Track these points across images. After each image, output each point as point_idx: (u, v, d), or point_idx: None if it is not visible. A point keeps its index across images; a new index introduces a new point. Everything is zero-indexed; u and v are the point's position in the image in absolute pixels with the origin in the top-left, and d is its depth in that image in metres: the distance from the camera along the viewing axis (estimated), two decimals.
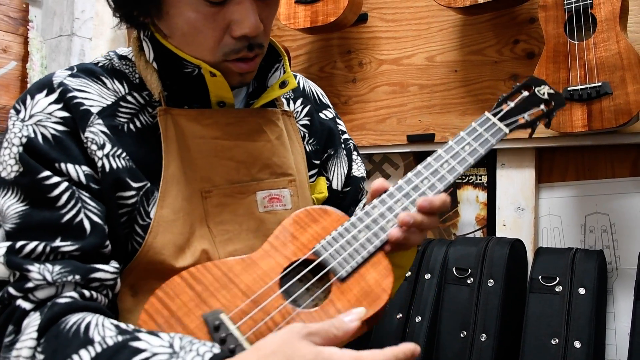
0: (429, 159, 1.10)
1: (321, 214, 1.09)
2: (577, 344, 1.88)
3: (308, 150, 1.40)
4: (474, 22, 2.40)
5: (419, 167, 1.10)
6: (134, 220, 1.12)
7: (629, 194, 2.12)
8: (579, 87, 1.87)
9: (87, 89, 1.14)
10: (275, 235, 1.07)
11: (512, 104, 1.15)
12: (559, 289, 1.99)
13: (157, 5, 1.09)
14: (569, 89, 1.89)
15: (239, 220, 1.19)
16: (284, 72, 1.29)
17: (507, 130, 1.13)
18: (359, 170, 1.52)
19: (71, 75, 1.15)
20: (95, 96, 1.14)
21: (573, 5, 1.91)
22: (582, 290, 1.96)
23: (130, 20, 1.15)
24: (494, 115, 1.14)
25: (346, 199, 1.50)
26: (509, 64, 2.30)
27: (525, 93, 1.17)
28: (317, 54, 2.81)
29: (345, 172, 1.49)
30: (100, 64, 1.21)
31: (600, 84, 1.83)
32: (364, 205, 1.21)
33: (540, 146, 2.26)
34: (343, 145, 1.51)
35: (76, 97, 1.10)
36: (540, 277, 2.04)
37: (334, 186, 1.46)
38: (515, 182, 2.31)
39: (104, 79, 1.18)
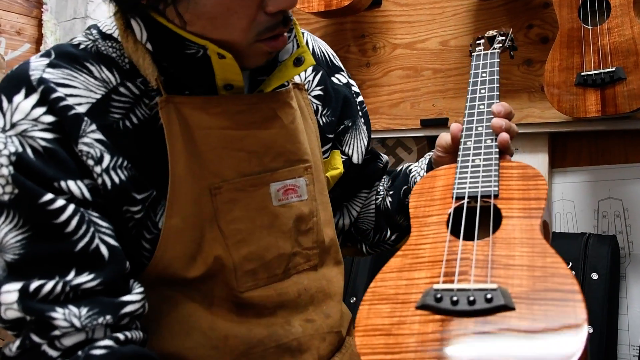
0: (467, 96, 1.27)
1: (432, 176, 1.13)
2: (590, 329, 1.89)
3: (322, 123, 1.29)
4: (488, 6, 2.39)
5: (467, 104, 1.25)
6: (140, 234, 1.01)
7: None
8: (593, 72, 1.86)
9: (72, 81, 0.97)
10: (414, 216, 1.05)
11: (482, 47, 1.40)
12: None
13: None
14: (582, 74, 1.89)
15: (251, 216, 1.07)
16: (297, 45, 1.14)
17: (496, 51, 1.36)
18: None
19: (50, 65, 0.98)
20: (82, 91, 0.97)
21: None
22: (594, 276, 1.97)
23: (134, 9, 0.99)
24: (478, 52, 1.38)
25: (368, 166, 1.45)
26: (523, 48, 2.29)
27: (482, 41, 1.43)
28: (331, 38, 2.81)
29: (366, 143, 1.40)
30: (82, 46, 1.03)
31: (613, 69, 1.83)
32: (429, 158, 1.33)
33: (554, 131, 2.25)
34: (360, 113, 1.40)
35: (62, 99, 0.94)
36: None
37: (355, 160, 1.36)
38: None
39: (89, 66, 1.00)
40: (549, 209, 0.99)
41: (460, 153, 1.12)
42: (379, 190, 1.46)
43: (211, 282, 1.05)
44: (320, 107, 1.29)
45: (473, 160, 1.08)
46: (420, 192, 1.10)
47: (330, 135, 1.31)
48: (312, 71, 1.30)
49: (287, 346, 1.11)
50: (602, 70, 1.85)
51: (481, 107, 1.21)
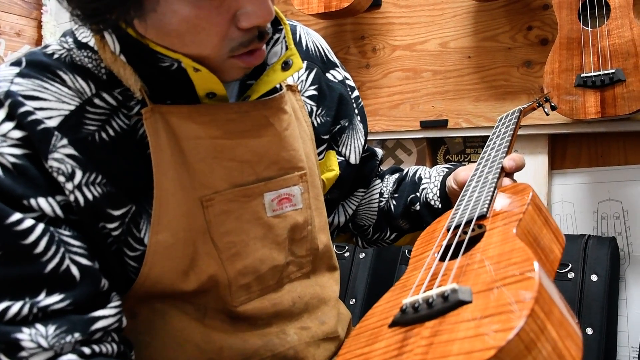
0: (490, 136, 1.28)
1: (438, 221, 1.11)
2: (589, 331, 1.89)
3: (316, 124, 1.24)
4: (487, 8, 2.39)
5: (481, 155, 1.23)
6: (121, 252, 0.97)
7: None
8: (592, 74, 1.87)
9: (42, 93, 0.92)
10: (412, 256, 1.03)
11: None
12: (571, 275, 2.00)
13: (139, 3, 0.84)
14: (582, 75, 1.89)
15: (244, 228, 1.03)
16: (286, 47, 1.07)
17: (518, 108, 1.37)
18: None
19: (20, 75, 0.93)
20: (53, 103, 0.92)
21: None
22: (594, 277, 1.97)
23: (102, 23, 0.90)
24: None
25: (365, 165, 1.41)
26: (523, 50, 2.30)
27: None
28: (331, 40, 2.81)
29: (363, 142, 1.35)
30: (56, 56, 0.97)
31: (613, 70, 1.83)
32: (443, 178, 1.31)
33: (554, 132, 2.25)
34: (356, 110, 1.35)
35: (30, 113, 0.89)
36: None
37: (352, 161, 1.32)
38: (528, 169, 2.29)
39: (62, 74, 0.95)
40: (540, 210, 0.98)
41: (460, 196, 1.10)
42: (382, 192, 1.44)
43: (204, 296, 1.03)
44: (314, 108, 1.25)
45: (470, 196, 1.06)
46: (425, 235, 1.09)
47: (325, 136, 1.27)
48: (306, 70, 1.25)
49: (282, 355, 1.09)
50: (601, 72, 1.85)
51: (491, 153, 1.18)
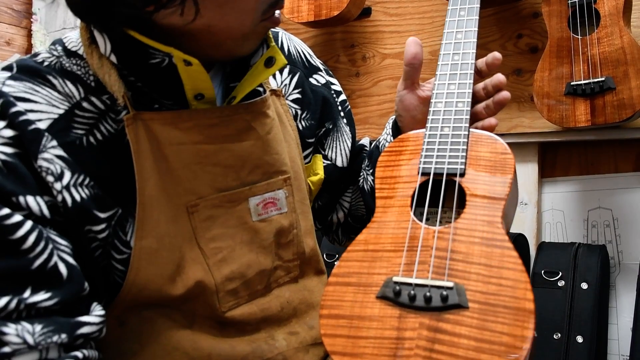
0: (442, 42, 1.14)
1: (399, 144, 1.08)
2: (580, 339, 1.89)
3: (301, 127, 1.25)
4: None
5: (440, 53, 1.13)
6: (108, 255, 0.96)
7: (632, 189, 2.12)
8: (582, 82, 1.87)
9: (33, 96, 0.93)
10: (379, 189, 1.02)
11: None
12: (561, 283, 1.99)
13: None
14: (572, 83, 1.89)
15: (230, 233, 1.04)
16: (268, 45, 1.08)
17: None
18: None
19: (12, 78, 0.94)
20: (43, 106, 0.93)
21: (577, 0, 1.90)
22: (584, 285, 1.96)
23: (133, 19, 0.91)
24: None
25: (355, 163, 1.41)
26: (513, 58, 2.30)
27: None
28: (321, 48, 2.81)
29: (350, 144, 1.36)
30: (46, 63, 0.99)
31: (603, 78, 1.83)
32: (394, 118, 1.26)
33: (544, 141, 2.25)
34: (342, 113, 1.36)
35: (21, 113, 0.89)
36: (542, 271, 2.04)
37: (339, 164, 1.33)
38: (518, 177, 2.30)
39: (52, 79, 0.96)
40: (515, 184, 0.99)
41: (429, 118, 1.06)
42: (360, 173, 1.42)
43: (192, 303, 1.02)
44: (299, 111, 1.26)
45: (442, 129, 1.02)
46: (387, 162, 1.06)
47: (311, 140, 1.28)
48: (289, 74, 1.27)
49: None
50: (591, 80, 1.85)
51: (455, 57, 1.12)
